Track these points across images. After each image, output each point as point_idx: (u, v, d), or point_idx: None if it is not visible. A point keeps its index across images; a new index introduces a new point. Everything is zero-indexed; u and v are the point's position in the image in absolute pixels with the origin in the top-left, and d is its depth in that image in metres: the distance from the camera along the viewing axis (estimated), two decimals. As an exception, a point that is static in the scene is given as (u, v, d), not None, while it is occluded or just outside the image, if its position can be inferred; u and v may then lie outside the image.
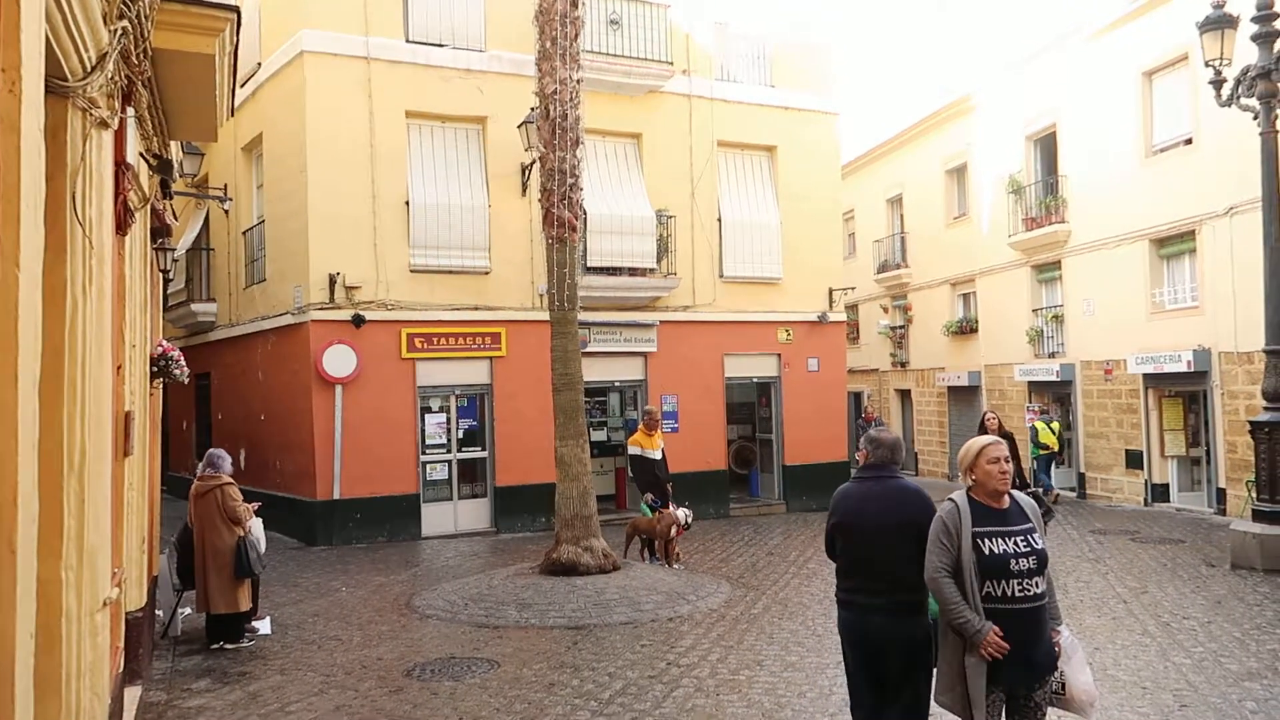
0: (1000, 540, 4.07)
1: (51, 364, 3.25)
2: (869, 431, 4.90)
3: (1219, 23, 11.40)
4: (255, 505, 8.68)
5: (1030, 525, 4.18)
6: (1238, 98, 11.37)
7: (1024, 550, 4.07)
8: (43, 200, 2.87)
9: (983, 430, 11.45)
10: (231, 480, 8.43)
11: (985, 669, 3.99)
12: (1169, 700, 6.40)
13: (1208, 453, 16.55)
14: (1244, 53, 11.53)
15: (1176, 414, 17.36)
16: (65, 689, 3.31)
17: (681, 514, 11.60)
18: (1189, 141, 16.39)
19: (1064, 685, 4.11)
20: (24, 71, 2.56)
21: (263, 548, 8.57)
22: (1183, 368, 16.05)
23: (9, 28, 2.49)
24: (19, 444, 2.52)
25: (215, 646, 8.27)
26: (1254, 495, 11.70)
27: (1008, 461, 4.19)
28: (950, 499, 4.24)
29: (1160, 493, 17.39)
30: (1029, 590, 4.04)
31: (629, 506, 15.88)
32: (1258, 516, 11.10)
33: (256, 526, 8.58)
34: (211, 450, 8.70)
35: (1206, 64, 11.68)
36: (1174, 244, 16.94)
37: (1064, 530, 14.50)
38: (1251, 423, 11.66)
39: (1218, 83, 11.52)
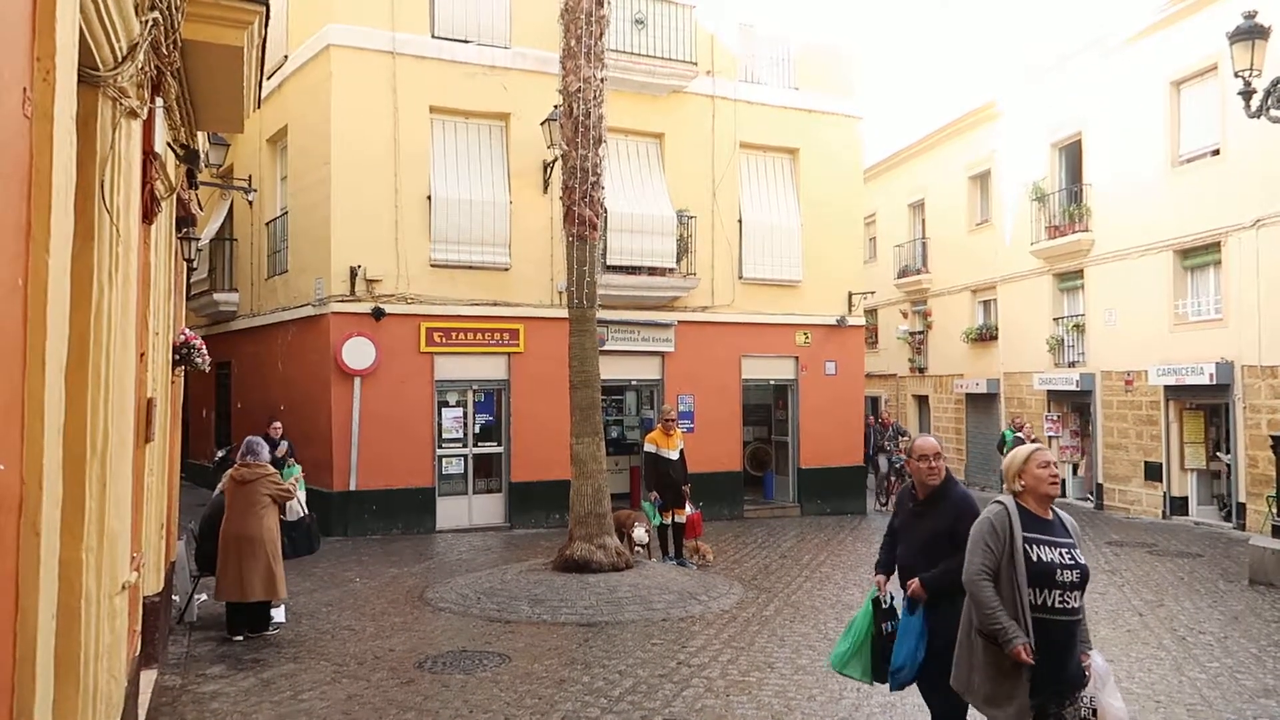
0: (1047, 549, 4.02)
1: (77, 349, 3.29)
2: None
3: (1250, 33, 11.25)
4: (294, 481, 9.10)
5: (1072, 541, 4.12)
6: (1267, 109, 11.23)
7: (1069, 562, 4.02)
8: (72, 187, 2.91)
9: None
10: (272, 470, 8.62)
11: (1026, 676, 3.90)
12: (1183, 715, 6.35)
13: (1228, 466, 16.38)
14: (1275, 63, 11.43)
15: (1197, 427, 17.20)
16: (83, 670, 3.36)
17: (639, 532, 11.68)
18: (1216, 152, 16.22)
19: (1095, 711, 4.04)
20: (58, 60, 2.60)
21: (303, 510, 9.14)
22: (1205, 380, 15.89)
23: (44, 17, 2.53)
24: (45, 427, 2.56)
25: (240, 638, 8.26)
26: (1274, 511, 11.59)
27: (1057, 466, 4.13)
28: (999, 501, 4.15)
29: (1179, 505, 17.24)
30: (1069, 603, 3.99)
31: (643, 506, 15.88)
32: (1277, 533, 11.00)
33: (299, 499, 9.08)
34: (251, 438, 8.78)
35: (1236, 74, 11.53)
36: (1198, 255, 16.78)
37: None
38: (1273, 437, 11.56)
39: (1247, 94, 11.38)
